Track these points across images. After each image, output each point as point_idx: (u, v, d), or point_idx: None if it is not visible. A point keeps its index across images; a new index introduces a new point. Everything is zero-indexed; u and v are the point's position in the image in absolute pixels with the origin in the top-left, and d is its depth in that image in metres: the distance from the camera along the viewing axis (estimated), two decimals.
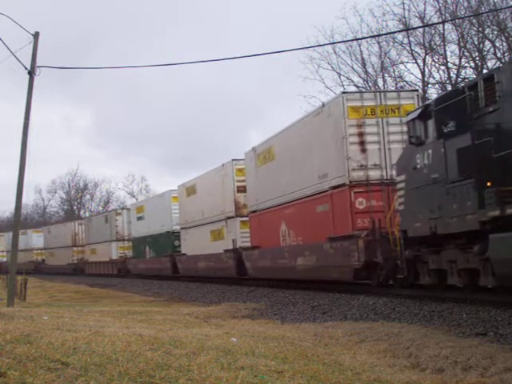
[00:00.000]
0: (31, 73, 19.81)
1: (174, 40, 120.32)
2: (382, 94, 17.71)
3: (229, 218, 26.95)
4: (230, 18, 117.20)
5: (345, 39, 39.58)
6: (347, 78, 40.13)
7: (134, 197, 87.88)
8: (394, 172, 15.98)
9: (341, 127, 17.07)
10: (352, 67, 40.03)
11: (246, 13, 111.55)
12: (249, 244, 24.97)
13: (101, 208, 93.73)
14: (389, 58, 38.38)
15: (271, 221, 22.35)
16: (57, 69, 23.33)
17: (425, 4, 36.21)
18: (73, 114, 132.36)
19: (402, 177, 14.38)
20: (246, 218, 25.40)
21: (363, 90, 35.91)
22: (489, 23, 33.82)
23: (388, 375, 6.98)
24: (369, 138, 17.02)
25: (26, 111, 19.86)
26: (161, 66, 52.91)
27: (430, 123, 12.97)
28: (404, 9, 36.22)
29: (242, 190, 26.09)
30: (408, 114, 14.34)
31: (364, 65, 39.51)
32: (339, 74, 40.35)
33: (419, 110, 13.53)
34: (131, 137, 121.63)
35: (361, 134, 17.05)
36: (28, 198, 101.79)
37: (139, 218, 41.63)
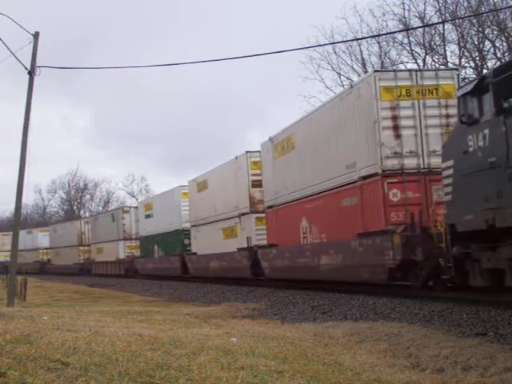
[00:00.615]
0: (31, 73, 19.80)
1: (174, 40, 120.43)
2: (419, 73, 15.96)
3: (243, 214, 25.62)
4: (230, 18, 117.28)
5: (345, 39, 39.65)
6: (347, 78, 40.16)
7: (133, 197, 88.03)
8: (432, 160, 14.84)
9: (372, 110, 15.54)
10: (352, 67, 40.10)
11: (246, 13, 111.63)
12: (265, 242, 23.60)
13: (101, 208, 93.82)
14: (389, 57, 38.42)
15: (290, 216, 20.88)
16: (57, 69, 23.32)
17: (425, 4, 36.29)
18: (73, 114, 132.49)
19: (450, 162, 12.48)
20: (262, 215, 24.10)
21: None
22: (489, 23, 33.82)
23: (388, 375, 6.98)
24: (404, 122, 15.51)
25: (25, 111, 19.85)
26: (161, 66, 52.87)
27: (487, 98, 11.21)
28: (404, 9, 36.29)
29: (257, 184, 24.69)
30: (459, 89, 12.83)
31: (364, 65, 39.56)
32: (339, 74, 40.41)
33: (473, 83, 11.71)
34: (131, 137, 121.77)
35: (395, 118, 15.55)
36: (28, 198, 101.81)
37: (147, 216, 40.08)
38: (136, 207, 44.87)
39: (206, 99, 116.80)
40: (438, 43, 36.01)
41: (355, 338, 10.12)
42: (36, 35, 19.96)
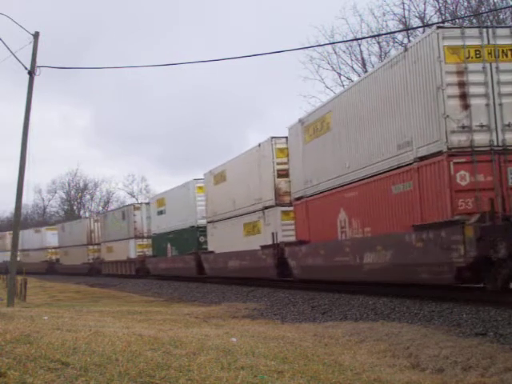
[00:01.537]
0: (31, 73, 19.81)
1: (174, 40, 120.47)
2: (491, 30, 13.28)
3: (267, 207, 23.07)
4: (229, 18, 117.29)
5: (345, 39, 39.61)
6: (347, 78, 40.18)
7: (133, 197, 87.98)
8: (507, 135, 12.77)
9: (434, 75, 12.99)
10: (352, 67, 40.08)
11: (246, 13, 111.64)
12: (293, 238, 21.08)
13: (101, 208, 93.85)
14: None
15: (324, 208, 18.32)
16: (56, 69, 23.33)
17: (425, 4, 36.26)
18: (72, 114, 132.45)
19: None
20: (289, 207, 21.69)
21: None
22: (489, 23, 33.82)
23: (388, 375, 6.98)
24: (473, 90, 12.96)
25: (25, 111, 19.86)
26: (161, 66, 52.88)
27: None
28: (404, 9, 36.27)
29: (283, 174, 22.32)
30: None
31: (364, 65, 39.55)
32: (339, 74, 40.39)
33: None
34: (131, 136, 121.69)
35: (462, 84, 12.96)
36: (28, 198, 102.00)
37: (160, 213, 37.39)
38: (148, 203, 41.98)
39: (205, 99, 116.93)
40: None
41: (355, 337, 10.12)
42: (36, 35, 19.97)
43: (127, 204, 45.30)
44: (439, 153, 12.97)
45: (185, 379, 5.68)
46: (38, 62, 19.91)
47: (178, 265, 33.72)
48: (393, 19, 37.48)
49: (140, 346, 7.34)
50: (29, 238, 66.84)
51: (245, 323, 13.16)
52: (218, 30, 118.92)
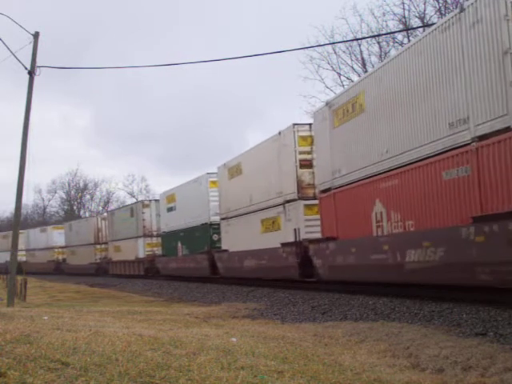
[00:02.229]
0: (31, 73, 19.82)
1: (174, 40, 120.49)
2: None
3: (288, 201, 21.15)
4: (229, 18, 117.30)
5: (345, 39, 39.63)
6: (347, 78, 40.22)
7: (133, 197, 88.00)
8: None
9: (500, 37, 11.01)
10: (352, 67, 40.13)
11: (246, 13, 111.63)
12: (317, 235, 19.19)
13: (101, 208, 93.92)
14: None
15: (356, 200, 16.55)
16: (56, 69, 23.34)
17: (425, 4, 36.34)
18: (72, 114, 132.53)
19: None
20: (314, 201, 19.89)
21: None
22: None
23: (388, 375, 6.98)
24: None
25: (25, 111, 19.88)
26: (161, 66, 52.85)
27: None
28: (404, 9, 36.36)
29: (306, 164, 20.56)
30: None
31: (364, 65, 39.60)
32: (339, 74, 40.43)
33: None
34: (131, 136, 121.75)
35: None
36: (28, 198, 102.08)
37: (170, 209, 35.48)
38: (157, 200, 39.77)
39: (205, 99, 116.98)
40: None
41: (355, 337, 10.12)
42: (36, 35, 19.99)
43: (135, 201, 43.23)
44: (506, 129, 10.96)
45: (185, 379, 5.68)
46: (38, 62, 19.95)
47: (190, 264, 32.04)
48: (393, 19, 37.64)
49: (140, 346, 7.34)
50: (35, 237, 65.89)
51: (245, 323, 13.16)
52: (217, 30, 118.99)
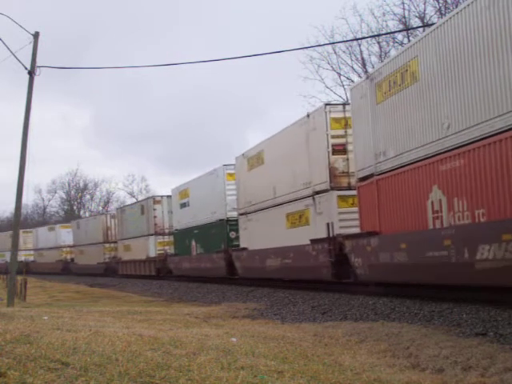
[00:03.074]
0: (31, 73, 19.82)
1: (174, 39, 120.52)
2: None
3: (319, 192, 18.88)
4: (229, 18, 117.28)
5: (345, 39, 39.62)
6: (347, 78, 40.24)
7: (133, 197, 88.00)
8: None
9: None
10: (352, 67, 40.13)
11: (246, 13, 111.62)
12: (353, 230, 17.15)
13: (101, 208, 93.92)
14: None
15: (406, 188, 14.33)
16: (56, 68, 23.35)
17: (425, 4, 36.33)
18: (72, 114, 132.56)
19: None
20: (349, 191, 17.95)
21: None
22: None
23: (388, 375, 6.98)
24: None
25: (25, 111, 19.88)
26: (161, 66, 52.85)
27: None
28: (404, 9, 36.34)
29: (339, 149, 18.31)
30: None
31: (364, 65, 39.61)
32: (339, 74, 40.43)
33: None
34: (131, 136, 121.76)
35: None
36: (28, 198, 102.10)
37: (183, 205, 33.13)
38: (169, 196, 37.03)
39: (205, 99, 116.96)
40: None
41: (355, 337, 10.12)
42: (36, 35, 19.99)
43: (147, 197, 39.62)
44: None
45: (185, 379, 5.68)
46: (38, 62, 19.95)
47: (205, 264, 29.67)
48: (393, 19, 37.58)
49: (140, 346, 7.34)
50: (42, 236, 64.45)
51: (245, 323, 13.16)
52: (217, 30, 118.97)
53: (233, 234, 27.03)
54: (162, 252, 36.69)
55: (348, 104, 18.29)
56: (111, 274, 45.34)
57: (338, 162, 18.33)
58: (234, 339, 9.09)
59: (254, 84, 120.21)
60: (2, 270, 53.55)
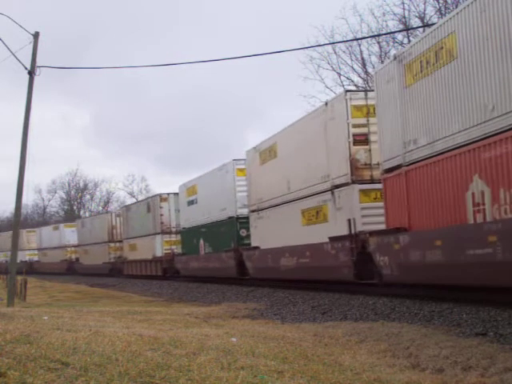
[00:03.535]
0: (31, 73, 19.83)
1: (174, 40, 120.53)
2: None
3: (338, 186, 17.64)
4: (229, 18, 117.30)
5: (345, 39, 39.60)
6: (347, 78, 40.21)
7: (133, 197, 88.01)
8: None
9: None
10: (352, 67, 40.09)
11: (246, 13, 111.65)
12: (377, 226, 15.90)
13: (101, 208, 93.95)
14: (389, 58, 38.44)
15: (441, 178, 12.93)
16: (56, 68, 23.36)
17: (425, 4, 36.30)
18: (72, 114, 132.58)
19: None
20: (371, 185, 16.73)
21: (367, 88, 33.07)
22: None
23: (388, 375, 6.98)
24: None
25: (25, 111, 19.88)
26: (161, 66, 52.87)
27: None
28: (404, 9, 36.30)
29: (361, 139, 17.00)
30: None
31: (364, 65, 39.58)
32: (339, 74, 40.38)
33: None
34: (131, 136, 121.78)
35: None
36: (28, 198, 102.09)
37: (190, 203, 32.01)
38: (176, 194, 35.74)
39: (205, 99, 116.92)
40: None
41: (355, 337, 10.12)
42: (36, 35, 19.99)
43: (153, 195, 37.98)
44: None
45: (185, 379, 5.68)
46: (38, 62, 19.95)
47: (214, 264, 28.41)
48: (393, 19, 37.53)
49: (140, 346, 7.34)
50: (47, 235, 63.34)
51: (245, 323, 13.16)
52: (217, 29, 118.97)
53: (243, 232, 25.85)
54: (168, 251, 35.51)
55: (371, 91, 17.43)
56: (117, 274, 44.19)
57: (360, 153, 17.02)
58: (234, 339, 9.09)
59: (253, 84, 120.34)
60: (2, 269, 53.36)
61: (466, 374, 7.15)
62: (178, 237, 35.03)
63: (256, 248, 23.76)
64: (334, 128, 17.68)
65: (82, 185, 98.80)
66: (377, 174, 16.46)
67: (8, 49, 19.10)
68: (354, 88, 37.57)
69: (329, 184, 18.09)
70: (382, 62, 38.20)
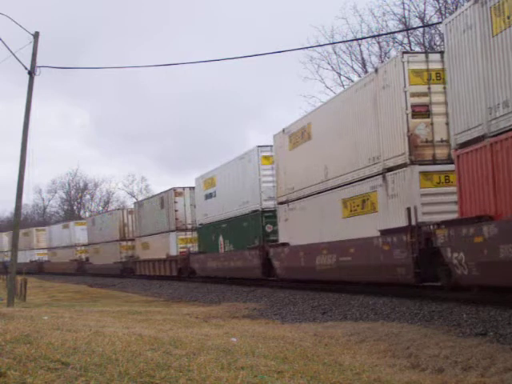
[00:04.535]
0: (31, 73, 19.82)
1: (174, 39, 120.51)
2: None
3: (392, 169, 14.94)
4: (229, 18, 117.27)
5: (345, 39, 39.60)
6: (347, 78, 40.22)
7: (133, 197, 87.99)
8: None
9: None
10: (352, 67, 40.12)
11: (246, 13, 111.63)
12: (442, 216, 13.26)
13: (101, 208, 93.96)
14: (389, 58, 38.46)
15: None
16: (56, 68, 23.36)
17: (425, 4, 36.31)
18: (72, 114, 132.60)
19: None
20: (433, 167, 14.16)
21: None
22: None
23: (388, 375, 6.98)
24: None
25: (25, 111, 19.87)
26: (161, 66, 52.89)
27: None
28: (404, 9, 36.31)
29: (421, 111, 14.25)
30: None
31: (364, 65, 39.60)
32: (339, 74, 40.39)
33: None
34: (131, 136, 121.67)
35: None
36: (28, 198, 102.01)
37: (208, 196, 29.17)
38: (192, 187, 32.81)
39: (205, 99, 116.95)
40: (438, 43, 36.10)
41: (355, 337, 10.12)
42: (36, 35, 19.98)
43: (167, 189, 35.41)
44: None
45: (185, 379, 5.68)
46: (38, 62, 19.94)
47: (235, 263, 25.57)
48: (393, 19, 37.58)
49: (140, 346, 7.34)
50: (56, 234, 60.50)
51: (245, 323, 13.16)
52: (217, 29, 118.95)
53: (269, 228, 23.17)
54: (184, 250, 32.90)
55: (432, 52, 15.03)
56: (128, 274, 41.68)
57: (420, 127, 14.27)
58: (233, 339, 9.09)
59: (253, 84, 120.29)
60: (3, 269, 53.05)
61: (466, 374, 7.15)
62: (194, 234, 32.43)
63: (285, 245, 21.06)
64: (387, 98, 15.02)
65: (82, 185, 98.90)
66: (441, 153, 14.15)
67: (8, 49, 19.11)
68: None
69: (379, 167, 15.41)
70: (383, 62, 38.28)
